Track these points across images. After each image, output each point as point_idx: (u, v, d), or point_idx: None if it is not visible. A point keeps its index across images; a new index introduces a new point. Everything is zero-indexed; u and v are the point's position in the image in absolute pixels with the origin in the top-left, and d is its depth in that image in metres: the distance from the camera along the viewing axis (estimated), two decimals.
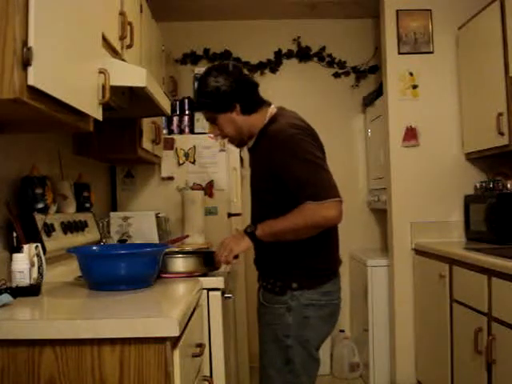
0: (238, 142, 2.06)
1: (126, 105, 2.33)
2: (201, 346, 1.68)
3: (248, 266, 3.82)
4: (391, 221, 3.45)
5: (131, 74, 1.93)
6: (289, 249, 1.91)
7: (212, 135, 1.99)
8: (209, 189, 3.29)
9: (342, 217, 1.82)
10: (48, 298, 1.59)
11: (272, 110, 1.99)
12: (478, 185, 3.30)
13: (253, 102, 1.96)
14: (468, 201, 3.32)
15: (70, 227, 2.18)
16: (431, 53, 3.43)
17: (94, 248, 1.97)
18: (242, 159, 3.52)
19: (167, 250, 1.96)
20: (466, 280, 2.65)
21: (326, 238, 1.94)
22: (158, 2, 3.12)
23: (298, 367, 1.93)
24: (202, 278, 1.96)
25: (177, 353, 1.33)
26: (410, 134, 3.42)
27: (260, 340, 2.10)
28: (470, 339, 2.55)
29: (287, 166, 1.83)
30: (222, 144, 3.30)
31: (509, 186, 3.04)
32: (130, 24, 2.23)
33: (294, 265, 1.93)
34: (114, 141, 2.59)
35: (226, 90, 1.89)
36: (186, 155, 3.30)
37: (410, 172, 3.41)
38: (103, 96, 1.71)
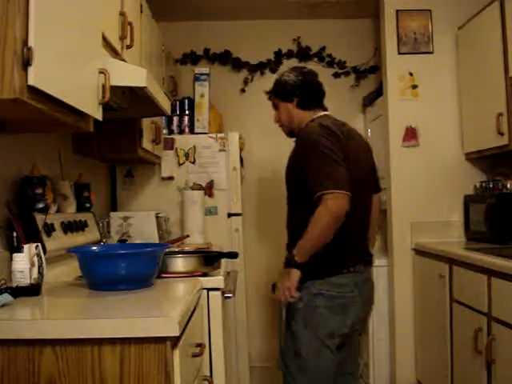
0: (288, 131, 2.38)
1: (126, 105, 2.33)
2: (201, 345, 1.68)
3: (248, 266, 3.82)
4: (391, 221, 3.45)
5: (131, 74, 1.93)
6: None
7: (276, 119, 2.40)
8: (209, 189, 3.29)
9: (346, 208, 2.00)
10: (48, 297, 1.59)
11: (320, 113, 2.30)
12: (477, 185, 3.30)
13: (309, 100, 2.30)
14: (468, 201, 3.32)
15: (70, 227, 2.18)
16: (431, 53, 3.43)
17: (94, 248, 1.97)
18: (242, 159, 3.52)
19: (167, 250, 1.96)
20: (466, 280, 2.66)
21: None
22: (158, 2, 3.12)
23: (303, 352, 2.12)
24: (201, 278, 1.97)
25: (177, 353, 1.33)
26: (410, 134, 3.42)
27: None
28: (470, 339, 2.55)
29: (304, 159, 2.12)
30: (221, 144, 3.31)
31: (509, 185, 3.04)
32: (130, 24, 2.23)
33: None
34: (114, 141, 2.59)
35: (291, 83, 2.29)
36: (186, 155, 3.30)
37: (410, 172, 3.41)
38: (103, 96, 1.71)
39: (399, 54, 3.43)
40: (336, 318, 2.11)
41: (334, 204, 1.97)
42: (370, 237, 2.37)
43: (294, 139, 2.30)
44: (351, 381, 2.37)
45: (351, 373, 2.37)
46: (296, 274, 2.07)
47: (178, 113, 3.40)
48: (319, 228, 2.00)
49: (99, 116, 1.71)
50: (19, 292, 1.52)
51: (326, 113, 2.32)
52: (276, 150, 3.78)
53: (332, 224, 2.00)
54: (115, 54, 2.09)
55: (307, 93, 2.29)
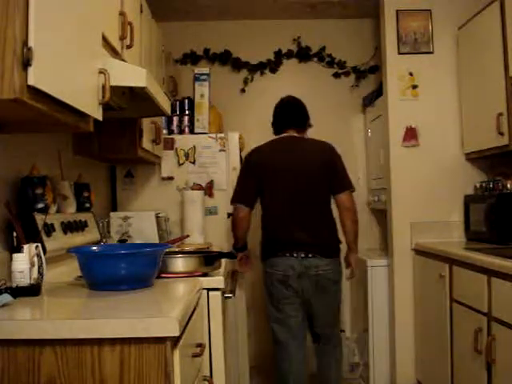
0: None
1: (126, 105, 2.33)
2: (201, 345, 1.68)
3: None
4: (391, 221, 3.45)
5: (131, 74, 1.93)
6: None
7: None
8: (209, 189, 3.30)
9: (236, 216, 2.95)
10: (48, 297, 1.59)
11: (280, 135, 2.99)
12: (477, 185, 3.30)
13: (275, 127, 3.04)
14: (468, 201, 3.32)
15: (70, 227, 2.18)
16: (431, 53, 3.43)
17: (94, 248, 1.97)
18: (241, 159, 3.52)
19: (167, 250, 1.96)
20: (466, 280, 2.66)
21: (265, 225, 2.92)
22: (158, 2, 3.12)
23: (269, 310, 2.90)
24: (201, 278, 1.97)
25: (177, 353, 1.33)
26: (410, 134, 3.42)
27: None
28: (470, 339, 2.55)
29: None
30: (221, 144, 3.31)
31: (509, 186, 3.04)
32: (130, 24, 2.23)
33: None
34: (114, 141, 2.59)
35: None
36: (186, 155, 3.30)
37: (410, 172, 3.41)
38: (103, 96, 1.71)
39: (399, 53, 3.43)
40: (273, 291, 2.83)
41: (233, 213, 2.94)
42: (347, 230, 2.89)
43: None
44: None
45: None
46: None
47: (178, 113, 3.40)
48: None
49: (99, 116, 1.71)
50: (19, 292, 1.52)
51: (283, 135, 2.94)
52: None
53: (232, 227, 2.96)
54: (115, 54, 2.09)
55: (273, 121, 3.02)
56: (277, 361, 2.90)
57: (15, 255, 1.59)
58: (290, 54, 4.06)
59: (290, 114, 2.95)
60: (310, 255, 2.74)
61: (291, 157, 2.85)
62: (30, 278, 1.59)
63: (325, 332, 2.92)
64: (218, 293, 2.06)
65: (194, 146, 3.30)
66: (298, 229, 2.77)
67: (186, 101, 3.43)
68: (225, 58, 4.03)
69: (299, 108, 2.97)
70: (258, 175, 2.83)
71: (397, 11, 3.42)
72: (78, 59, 1.55)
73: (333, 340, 2.94)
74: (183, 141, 3.32)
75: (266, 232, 2.89)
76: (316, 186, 2.83)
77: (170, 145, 3.30)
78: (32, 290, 1.57)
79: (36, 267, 1.62)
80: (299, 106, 2.98)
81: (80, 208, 2.39)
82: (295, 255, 2.74)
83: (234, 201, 2.90)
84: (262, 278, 2.94)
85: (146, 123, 2.76)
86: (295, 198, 2.80)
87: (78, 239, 2.21)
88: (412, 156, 3.42)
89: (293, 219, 2.79)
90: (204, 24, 4.00)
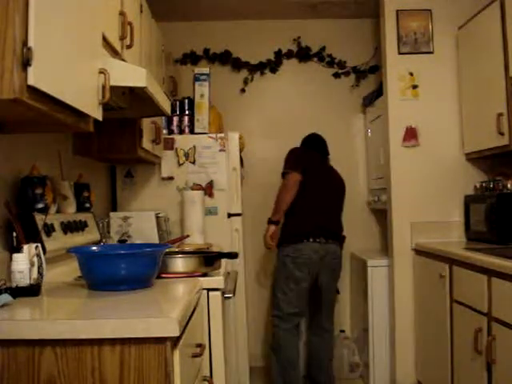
0: None
1: (126, 105, 2.33)
2: (201, 346, 1.68)
3: (248, 266, 3.82)
4: (391, 221, 3.45)
5: (131, 74, 1.92)
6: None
7: None
8: (209, 189, 3.29)
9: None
10: (48, 298, 1.59)
11: None
12: (478, 185, 3.30)
13: None
14: (468, 201, 3.32)
15: (70, 227, 2.18)
16: (431, 53, 3.43)
17: (94, 248, 1.97)
18: (241, 159, 3.52)
19: (167, 250, 1.96)
20: (466, 280, 2.65)
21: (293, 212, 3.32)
22: (158, 2, 3.12)
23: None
24: (201, 278, 1.97)
25: (177, 353, 1.33)
26: (410, 134, 3.42)
27: None
28: (469, 339, 2.55)
29: None
30: (222, 144, 3.31)
31: (509, 185, 3.04)
32: (130, 24, 2.23)
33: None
34: (114, 141, 2.59)
35: None
36: (186, 155, 3.30)
37: (410, 172, 3.41)
38: (103, 96, 1.71)
39: (399, 53, 3.43)
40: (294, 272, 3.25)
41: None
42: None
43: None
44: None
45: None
46: None
47: (178, 113, 3.40)
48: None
49: (99, 116, 1.71)
50: (19, 292, 1.52)
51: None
52: (276, 150, 3.79)
53: (281, 195, 3.38)
54: (115, 53, 2.09)
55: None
56: (284, 347, 3.25)
57: (15, 255, 1.59)
58: (289, 54, 4.06)
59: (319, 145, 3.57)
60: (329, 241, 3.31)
61: (331, 170, 3.54)
62: (30, 278, 1.58)
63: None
64: (218, 293, 2.06)
65: (194, 146, 3.30)
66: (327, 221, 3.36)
67: (186, 101, 3.43)
68: (225, 58, 4.03)
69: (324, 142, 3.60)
70: (305, 166, 3.32)
71: (397, 11, 3.42)
72: (78, 59, 1.55)
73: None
74: (183, 141, 3.32)
75: (294, 218, 3.32)
76: (341, 201, 3.52)
77: (170, 145, 3.30)
78: (32, 290, 1.57)
79: (36, 267, 1.62)
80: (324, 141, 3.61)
81: (80, 208, 2.39)
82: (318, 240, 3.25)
83: (288, 168, 3.27)
84: (277, 261, 3.33)
85: (146, 123, 2.76)
86: (332, 201, 3.44)
87: (77, 239, 2.21)
88: (412, 156, 3.42)
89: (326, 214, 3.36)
90: (204, 24, 4.00)
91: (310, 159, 3.41)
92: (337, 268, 3.38)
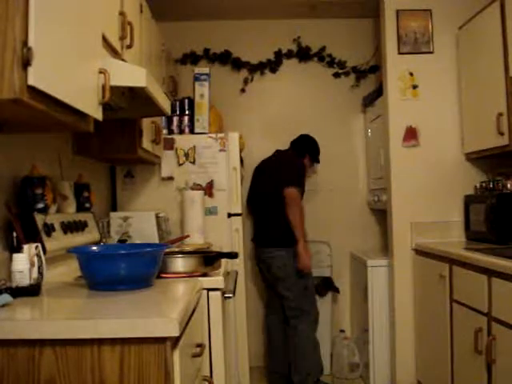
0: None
1: (126, 105, 2.33)
2: (201, 346, 1.68)
3: (248, 266, 3.82)
4: (391, 221, 3.45)
5: (131, 74, 1.92)
6: None
7: None
8: (209, 189, 3.29)
9: None
10: (48, 298, 1.59)
11: None
12: (478, 185, 3.30)
13: None
14: (468, 201, 3.32)
15: (70, 227, 2.18)
16: (431, 53, 3.43)
17: (94, 248, 1.97)
18: (241, 159, 3.52)
19: (167, 250, 1.96)
20: (466, 280, 2.66)
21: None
22: (158, 2, 3.12)
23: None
24: (201, 278, 1.97)
25: (177, 353, 1.33)
26: (410, 134, 3.42)
27: None
28: (469, 339, 2.55)
29: None
30: (221, 144, 3.31)
31: (509, 186, 3.04)
32: (130, 24, 2.23)
33: None
34: (114, 141, 2.59)
35: None
36: (186, 155, 3.30)
37: (410, 172, 3.41)
38: (103, 96, 1.71)
39: (399, 53, 3.43)
40: None
41: None
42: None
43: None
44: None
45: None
46: None
47: (177, 113, 3.40)
48: None
49: (99, 116, 1.71)
50: (19, 292, 1.52)
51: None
52: (276, 149, 3.79)
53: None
54: (115, 54, 2.09)
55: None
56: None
57: (15, 255, 1.59)
58: (290, 54, 4.06)
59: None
60: None
61: (262, 169, 3.75)
62: (30, 278, 1.59)
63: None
64: (218, 293, 2.06)
65: (194, 146, 3.30)
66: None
67: (186, 101, 3.43)
68: (225, 58, 4.03)
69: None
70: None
71: (397, 11, 3.42)
72: (77, 59, 1.55)
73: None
74: (183, 141, 3.31)
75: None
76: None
77: (169, 145, 3.30)
78: (32, 290, 1.57)
79: (36, 267, 1.62)
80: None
81: (80, 208, 2.39)
82: None
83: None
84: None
85: (146, 123, 2.76)
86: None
87: (78, 239, 2.21)
88: (412, 156, 3.42)
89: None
90: (204, 24, 4.00)
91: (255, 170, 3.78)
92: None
